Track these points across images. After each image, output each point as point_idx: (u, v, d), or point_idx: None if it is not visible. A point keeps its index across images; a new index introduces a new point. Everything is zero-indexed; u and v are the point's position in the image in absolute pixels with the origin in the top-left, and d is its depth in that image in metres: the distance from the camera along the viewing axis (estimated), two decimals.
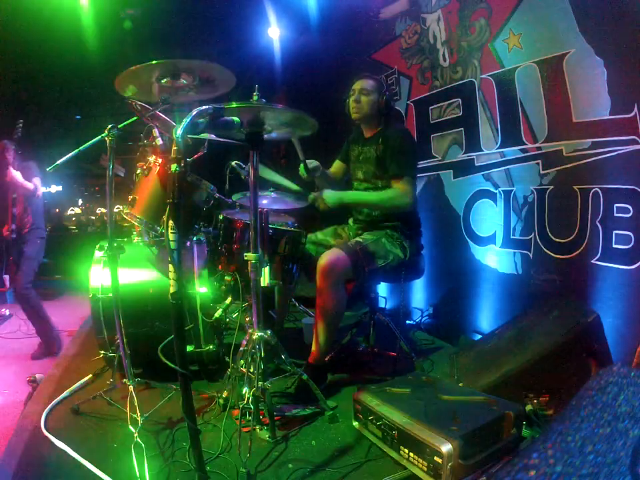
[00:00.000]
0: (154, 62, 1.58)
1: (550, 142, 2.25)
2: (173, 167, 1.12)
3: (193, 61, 1.62)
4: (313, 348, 2.01)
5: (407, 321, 3.17)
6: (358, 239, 2.10)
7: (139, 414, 1.58)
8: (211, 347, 2.07)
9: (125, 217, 1.94)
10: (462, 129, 2.84)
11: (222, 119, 1.28)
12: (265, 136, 1.64)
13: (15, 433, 1.65)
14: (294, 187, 2.12)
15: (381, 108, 2.18)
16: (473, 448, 1.30)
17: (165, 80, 1.69)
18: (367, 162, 2.24)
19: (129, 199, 1.89)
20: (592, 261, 2.05)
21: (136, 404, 1.61)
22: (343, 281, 1.94)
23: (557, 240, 2.25)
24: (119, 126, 1.67)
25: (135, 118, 1.81)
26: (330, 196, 2.04)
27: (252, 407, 1.53)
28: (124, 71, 1.60)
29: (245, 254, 1.61)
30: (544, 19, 2.20)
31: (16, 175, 3.20)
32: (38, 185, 3.40)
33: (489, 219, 2.67)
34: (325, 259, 1.91)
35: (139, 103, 1.91)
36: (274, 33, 4.58)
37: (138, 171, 1.95)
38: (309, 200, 2.08)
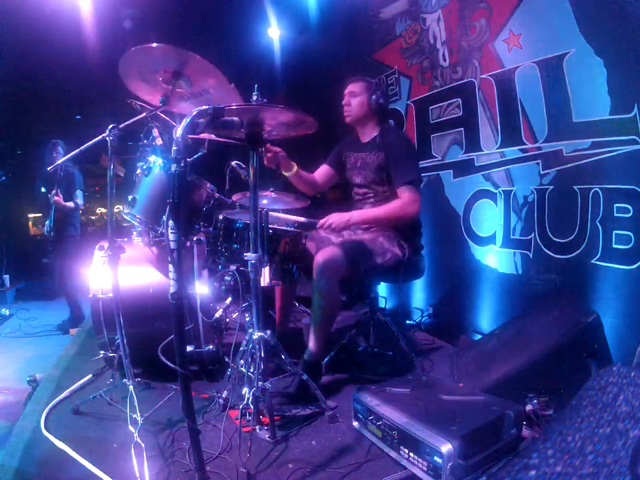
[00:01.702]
0: (154, 44, 1.58)
1: (550, 142, 2.25)
2: (173, 167, 1.12)
3: (191, 53, 1.62)
4: (309, 345, 2.01)
5: (407, 321, 3.18)
6: (355, 237, 2.10)
7: (138, 414, 1.59)
8: (211, 347, 2.07)
9: (125, 217, 1.95)
10: (462, 129, 2.84)
11: (222, 119, 1.28)
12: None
13: (15, 432, 1.65)
14: (302, 219, 2.09)
15: (373, 108, 2.17)
16: (473, 448, 1.30)
17: (166, 77, 1.70)
18: (365, 168, 2.23)
19: (129, 199, 1.89)
20: (592, 261, 2.05)
21: (136, 404, 1.62)
22: (338, 279, 1.94)
23: (557, 240, 2.24)
24: (119, 126, 1.67)
25: (135, 118, 1.81)
26: (338, 220, 2.00)
27: (252, 406, 1.53)
28: (126, 53, 1.61)
29: (245, 254, 1.61)
30: (544, 19, 2.20)
31: (59, 199, 3.60)
32: (79, 199, 3.81)
33: (489, 219, 2.67)
34: (321, 255, 1.91)
35: (139, 102, 1.92)
36: (274, 32, 4.59)
37: (138, 171, 1.95)
38: (317, 226, 2.06)
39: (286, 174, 2.20)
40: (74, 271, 3.82)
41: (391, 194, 2.15)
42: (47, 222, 3.64)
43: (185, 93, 1.79)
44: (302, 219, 2.06)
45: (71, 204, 3.71)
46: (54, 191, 3.53)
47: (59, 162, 1.92)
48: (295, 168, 2.19)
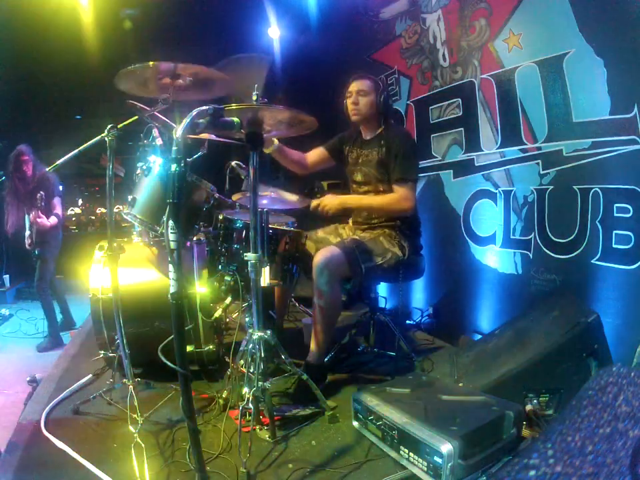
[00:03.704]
0: (151, 63, 1.59)
1: (550, 142, 2.25)
2: (173, 167, 1.12)
3: (190, 65, 1.63)
4: (312, 347, 2.01)
5: (407, 321, 3.17)
6: (354, 236, 2.10)
7: (138, 414, 1.58)
8: (211, 346, 2.07)
9: (124, 217, 1.94)
10: (462, 129, 2.84)
11: (222, 119, 1.28)
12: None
13: (15, 433, 1.65)
14: (292, 197, 2.08)
15: (380, 108, 2.16)
16: (473, 448, 1.30)
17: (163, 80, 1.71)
18: (367, 165, 2.22)
19: (129, 199, 1.89)
20: (592, 261, 2.05)
21: (136, 404, 1.61)
22: (338, 279, 1.93)
23: (557, 240, 2.25)
24: (119, 126, 1.67)
25: (135, 118, 1.81)
26: (331, 201, 2.02)
27: (252, 407, 1.53)
28: (122, 70, 1.61)
29: (245, 254, 1.61)
30: (544, 19, 2.20)
31: (42, 220, 3.33)
32: (58, 209, 3.52)
33: (488, 218, 2.67)
34: (319, 256, 1.91)
35: (139, 104, 1.91)
36: (274, 33, 4.59)
37: (138, 171, 1.95)
38: (311, 208, 2.06)
39: (267, 151, 2.15)
40: (53, 275, 3.70)
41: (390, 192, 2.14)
42: (26, 233, 3.44)
43: (185, 86, 1.79)
44: (294, 197, 2.04)
45: (53, 220, 3.45)
46: (33, 212, 3.30)
47: (58, 162, 1.90)
48: (276, 143, 2.14)
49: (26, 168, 3.46)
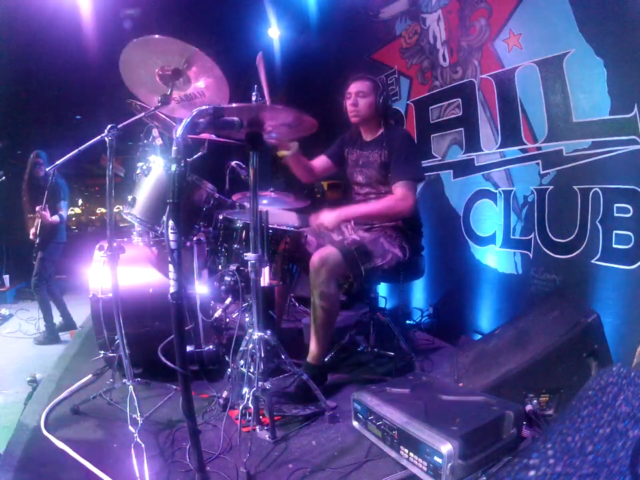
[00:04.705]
0: (156, 36, 1.60)
1: (550, 142, 2.25)
2: (173, 167, 1.12)
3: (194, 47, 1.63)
4: (311, 347, 2.00)
5: (407, 321, 3.17)
6: (355, 237, 2.10)
7: (138, 414, 1.58)
8: (211, 347, 2.07)
9: (124, 217, 1.95)
10: (462, 129, 2.84)
11: (222, 119, 1.28)
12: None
13: (15, 433, 1.65)
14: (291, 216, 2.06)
15: (380, 109, 2.16)
16: (473, 448, 1.29)
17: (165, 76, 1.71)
18: (368, 166, 2.22)
19: (129, 199, 1.89)
20: (592, 261, 2.05)
21: (136, 404, 1.61)
22: (336, 278, 1.93)
23: (557, 240, 2.25)
24: (119, 126, 1.67)
25: (134, 118, 1.81)
26: (329, 218, 1.99)
27: (252, 407, 1.53)
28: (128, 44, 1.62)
29: (245, 254, 1.61)
30: (544, 19, 2.20)
31: (46, 214, 3.47)
32: (63, 211, 3.67)
33: (488, 218, 2.67)
34: (317, 255, 1.91)
35: (139, 103, 1.92)
36: (274, 33, 4.59)
37: (138, 171, 1.95)
38: (311, 231, 2.06)
39: (285, 153, 2.12)
40: (54, 276, 3.77)
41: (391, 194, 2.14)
42: (32, 230, 3.56)
43: (179, 95, 1.80)
44: (291, 227, 2.05)
45: (56, 218, 3.57)
46: (39, 207, 3.43)
47: (58, 162, 1.90)
48: (296, 147, 2.11)
49: (39, 169, 3.64)
